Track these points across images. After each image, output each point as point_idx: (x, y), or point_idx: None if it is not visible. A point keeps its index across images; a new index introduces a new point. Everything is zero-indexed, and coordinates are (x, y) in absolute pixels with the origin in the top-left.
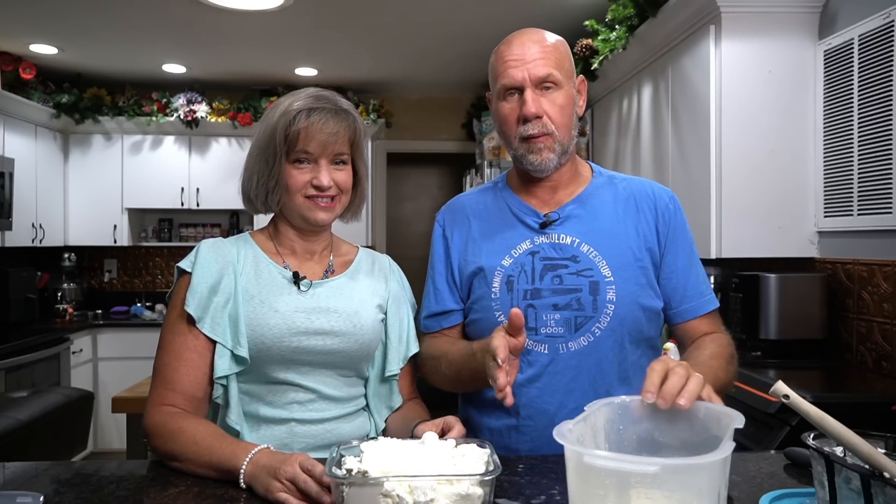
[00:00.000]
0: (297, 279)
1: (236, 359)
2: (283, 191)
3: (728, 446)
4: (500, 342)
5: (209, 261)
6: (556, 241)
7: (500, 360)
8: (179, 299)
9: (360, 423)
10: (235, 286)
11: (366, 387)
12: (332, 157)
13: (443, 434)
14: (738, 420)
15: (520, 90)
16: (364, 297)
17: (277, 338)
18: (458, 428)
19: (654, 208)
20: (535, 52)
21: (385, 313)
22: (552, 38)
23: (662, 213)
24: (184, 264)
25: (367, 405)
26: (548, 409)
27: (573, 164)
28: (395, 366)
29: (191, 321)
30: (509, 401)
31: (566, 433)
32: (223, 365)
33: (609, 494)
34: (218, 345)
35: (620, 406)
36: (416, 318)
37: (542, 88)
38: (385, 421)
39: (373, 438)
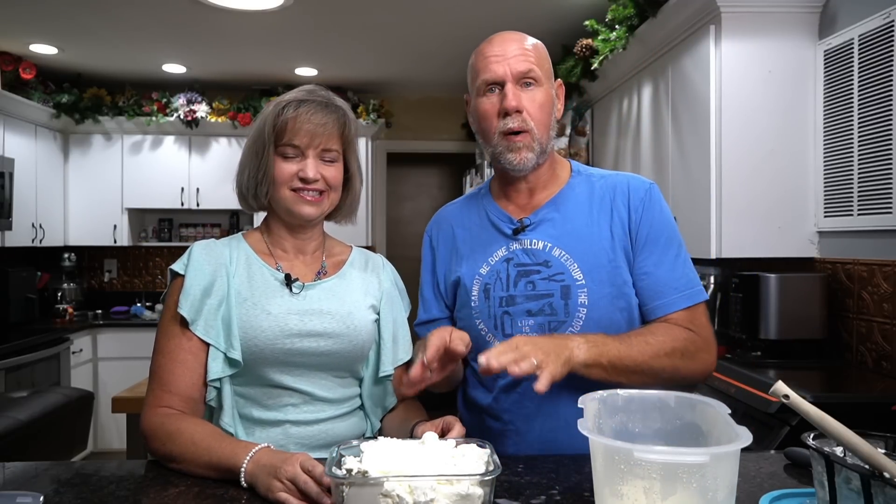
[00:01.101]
0: (289, 281)
1: (229, 361)
2: (271, 183)
3: (745, 431)
4: (434, 343)
5: (202, 263)
6: (529, 247)
7: (426, 358)
8: (173, 301)
9: (356, 423)
10: (228, 288)
11: (360, 387)
12: (320, 151)
13: (443, 434)
14: (724, 408)
15: (500, 85)
16: (357, 297)
17: (270, 340)
18: (458, 428)
19: (627, 204)
20: (516, 49)
21: (378, 313)
22: (531, 40)
23: (635, 208)
24: (176, 266)
25: (362, 405)
26: (528, 413)
27: (551, 165)
28: (389, 366)
29: (184, 323)
30: (406, 392)
31: (593, 428)
32: (216, 368)
33: (654, 487)
34: (211, 347)
35: (601, 400)
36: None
37: (522, 84)
38: (381, 421)
39: (371, 438)
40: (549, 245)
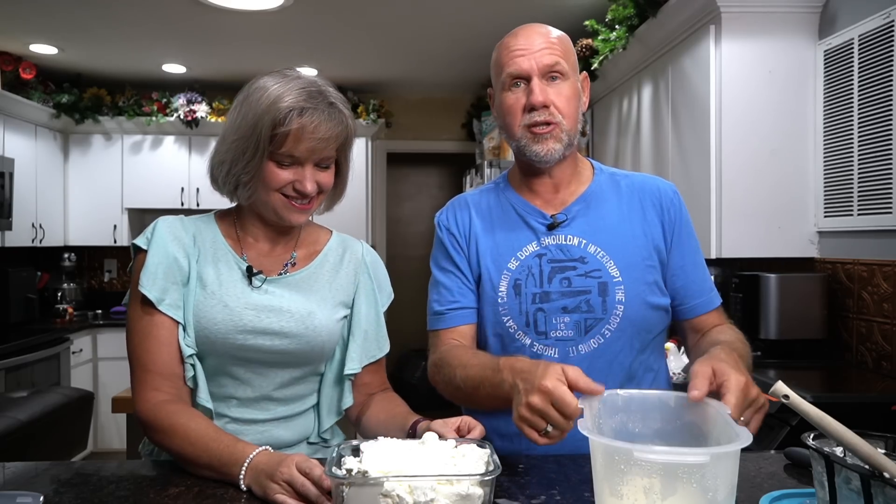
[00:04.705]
0: (250, 274)
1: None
2: (259, 185)
3: (745, 431)
4: (567, 395)
5: (165, 240)
6: (563, 243)
7: (572, 421)
8: (137, 278)
9: (301, 424)
10: (189, 270)
11: (320, 384)
12: (319, 160)
13: (461, 433)
14: (724, 408)
15: (526, 79)
16: (322, 295)
17: (222, 334)
18: (479, 429)
19: (658, 205)
20: (542, 43)
21: (351, 307)
22: (557, 32)
23: (667, 209)
24: (139, 241)
25: (318, 404)
26: None
27: (574, 160)
28: (356, 363)
29: (151, 301)
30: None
31: (593, 428)
32: (186, 345)
33: (654, 486)
34: (180, 325)
35: (601, 399)
36: (388, 311)
37: (548, 78)
38: (359, 417)
39: (317, 443)
40: (585, 241)
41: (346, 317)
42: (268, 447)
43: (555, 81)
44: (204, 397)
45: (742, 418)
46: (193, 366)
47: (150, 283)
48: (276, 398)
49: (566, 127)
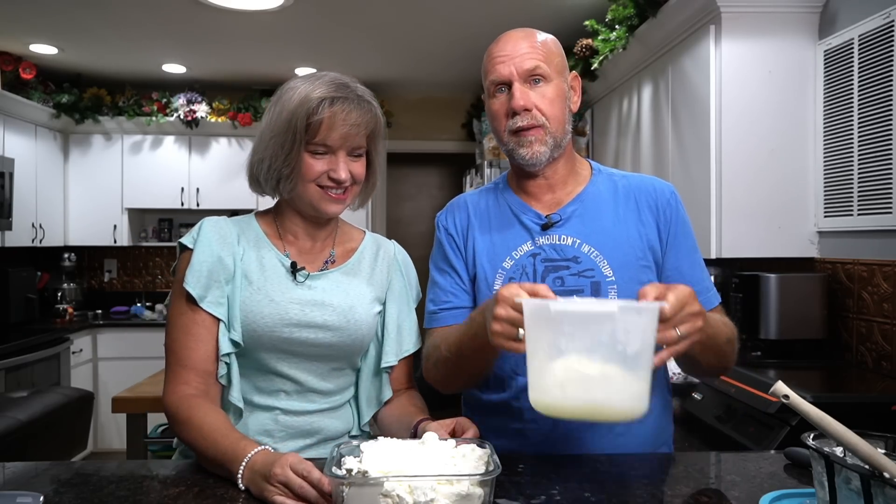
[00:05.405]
0: (294, 269)
1: (232, 341)
2: (298, 178)
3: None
4: (514, 289)
5: (210, 239)
6: (557, 243)
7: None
8: (182, 276)
9: (343, 416)
10: (234, 268)
11: (358, 378)
12: (351, 149)
13: (456, 434)
14: (664, 304)
15: (508, 85)
16: (362, 290)
17: (269, 327)
18: (473, 430)
19: (654, 206)
20: (523, 48)
21: (384, 304)
22: (542, 35)
23: (663, 210)
24: (185, 240)
25: (357, 396)
26: None
27: (570, 161)
28: (392, 357)
29: (194, 298)
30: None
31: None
32: (224, 343)
33: (574, 339)
34: (221, 323)
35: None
36: (418, 310)
37: (530, 82)
38: (377, 412)
39: (361, 436)
40: (578, 241)
41: (380, 312)
42: (267, 447)
43: (538, 84)
44: (236, 396)
45: (679, 330)
46: (228, 364)
47: (195, 281)
48: (319, 390)
49: (551, 129)
